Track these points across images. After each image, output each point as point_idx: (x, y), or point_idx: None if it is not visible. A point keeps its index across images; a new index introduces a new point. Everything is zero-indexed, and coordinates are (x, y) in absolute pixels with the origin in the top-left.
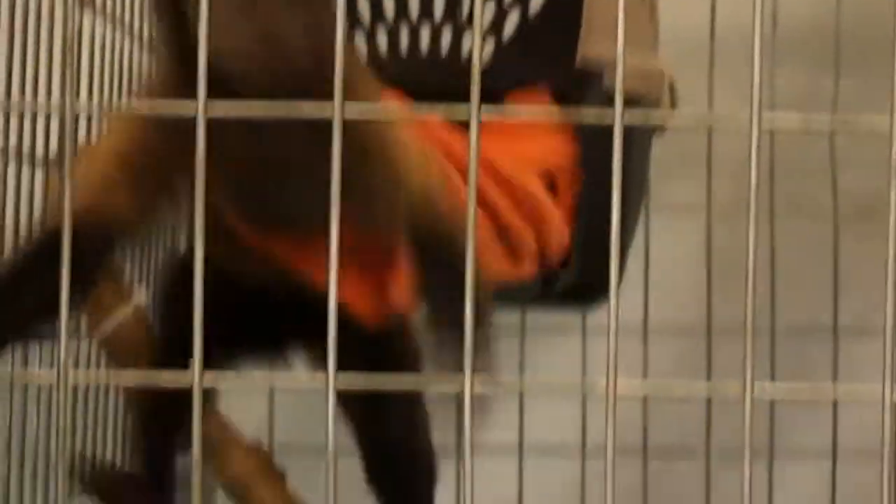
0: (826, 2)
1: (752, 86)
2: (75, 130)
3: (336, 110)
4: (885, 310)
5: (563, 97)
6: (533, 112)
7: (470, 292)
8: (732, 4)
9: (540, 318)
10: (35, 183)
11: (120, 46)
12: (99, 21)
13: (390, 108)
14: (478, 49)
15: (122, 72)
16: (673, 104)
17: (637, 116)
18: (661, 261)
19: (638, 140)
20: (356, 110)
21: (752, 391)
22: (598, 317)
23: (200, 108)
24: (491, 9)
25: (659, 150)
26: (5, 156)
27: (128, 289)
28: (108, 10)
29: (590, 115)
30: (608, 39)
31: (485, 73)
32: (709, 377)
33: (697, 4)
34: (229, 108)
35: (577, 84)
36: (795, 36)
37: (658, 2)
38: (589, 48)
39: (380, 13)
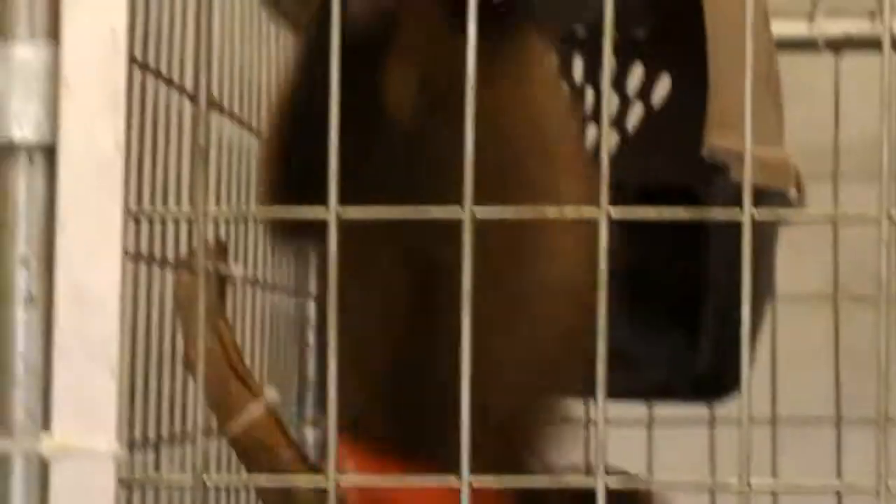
0: None
1: (881, 175)
2: (205, 234)
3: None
4: None
5: (690, 189)
6: (661, 213)
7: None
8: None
9: (663, 409)
10: (166, 286)
11: (248, 147)
12: (227, 123)
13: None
14: (606, 143)
15: (251, 172)
16: (800, 195)
17: (765, 214)
18: (789, 352)
19: (765, 232)
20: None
21: (886, 486)
22: (723, 408)
23: (332, 214)
24: (614, 100)
25: (787, 239)
26: (137, 260)
27: (258, 386)
28: (236, 111)
29: (718, 213)
30: (734, 131)
31: (611, 164)
32: (839, 472)
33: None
34: (361, 213)
35: (703, 176)
36: None
37: (782, 92)
38: (715, 139)
39: None
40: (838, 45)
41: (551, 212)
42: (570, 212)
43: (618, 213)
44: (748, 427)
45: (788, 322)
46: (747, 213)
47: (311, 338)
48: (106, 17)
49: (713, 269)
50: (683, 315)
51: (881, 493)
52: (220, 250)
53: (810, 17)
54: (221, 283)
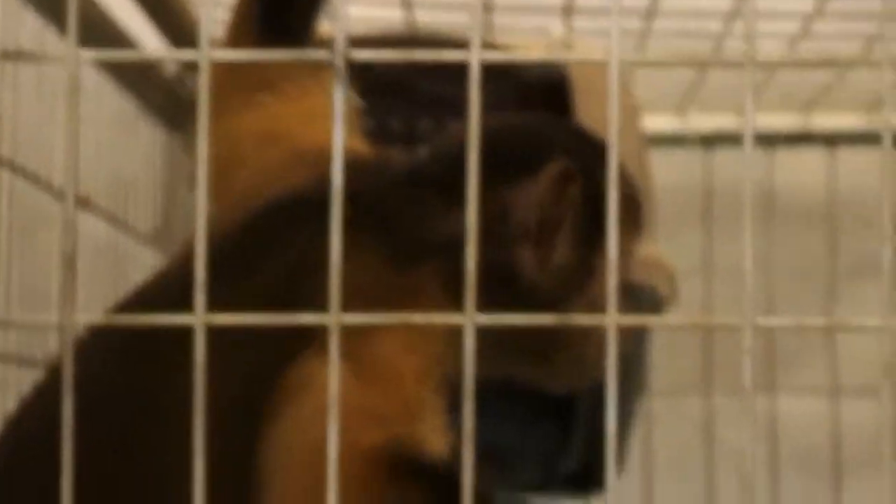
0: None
1: (745, 281)
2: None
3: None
4: None
5: None
6: (529, 319)
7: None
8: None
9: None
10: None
11: (122, 246)
12: (98, 222)
13: None
14: (472, 253)
15: (122, 271)
16: (673, 291)
17: (629, 320)
18: (663, 446)
19: (637, 331)
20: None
21: None
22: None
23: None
24: None
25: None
26: (4, 363)
27: None
28: (107, 209)
29: (582, 319)
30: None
31: None
32: None
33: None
34: (230, 319)
35: None
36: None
37: (655, 194)
38: None
39: None
40: (710, 141)
41: (417, 318)
42: (437, 318)
43: (484, 319)
44: None
45: (664, 416)
46: (612, 319)
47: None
48: None
49: None
50: (557, 413)
51: None
52: None
53: (681, 111)
54: None
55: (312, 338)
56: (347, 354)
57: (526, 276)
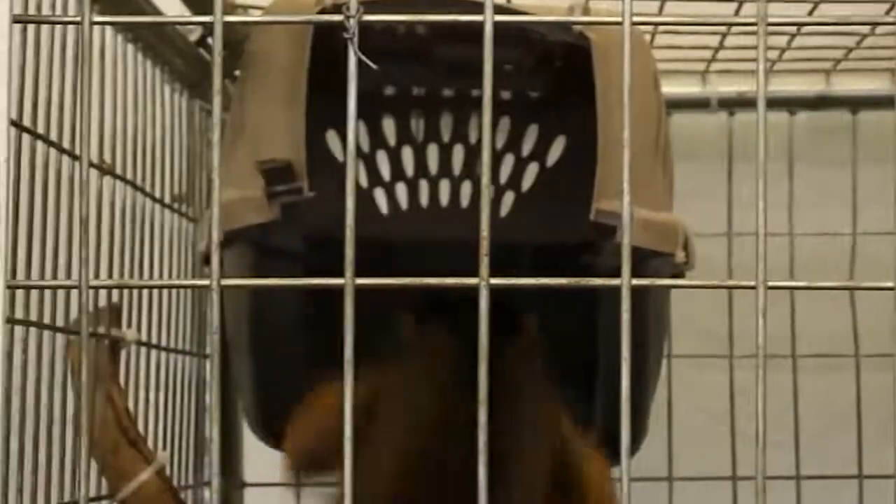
0: None
1: (757, 243)
2: (87, 304)
3: None
4: None
5: (579, 250)
6: (540, 282)
7: None
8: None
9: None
10: (56, 357)
11: (142, 210)
12: (119, 186)
13: None
14: (486, 215)
15: (144, 235)
16: (689, 258)
17: (643, 283)
18: (684, 411)
19: (655, 295)
20: None
21: None
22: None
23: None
24: (510, 161)
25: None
26: (26, 330)
27: (150, 451)
28: (129, 174)
29: (597, 281)
30: (622, 194)
31: (506, 224)
32: None
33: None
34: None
35: (592, 237)
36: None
37: (672, 154)
38: (602, 202)
39: (399, 170)
40: (731, 104)
41: (432, 281)
42: (452, 282)
43: (498, 282)
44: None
45: (684, 381)
46: (626, 281)
47: (208, 398)
48: None
49: (604, 332)
50: (581, 376)
51: None
52: (113, 314)
53: (703, 77)
54: (114, 347)
55: None
56: None
57: None
